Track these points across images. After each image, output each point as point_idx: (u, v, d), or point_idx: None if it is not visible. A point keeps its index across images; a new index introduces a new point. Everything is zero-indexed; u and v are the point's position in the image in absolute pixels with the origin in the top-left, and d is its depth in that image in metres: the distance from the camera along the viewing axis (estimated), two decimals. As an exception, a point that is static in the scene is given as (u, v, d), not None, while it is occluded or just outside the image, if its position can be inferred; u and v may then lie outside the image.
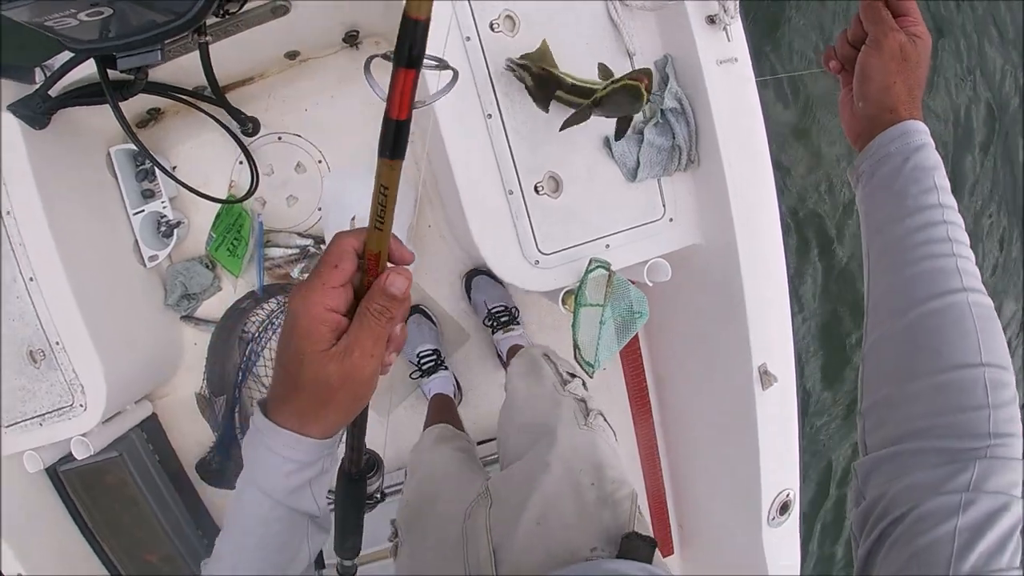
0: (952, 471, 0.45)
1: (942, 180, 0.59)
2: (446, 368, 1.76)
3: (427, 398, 1.73)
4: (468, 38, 1.29)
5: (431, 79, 0.96)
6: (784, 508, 1.36)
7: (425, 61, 0.39)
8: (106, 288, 1.41)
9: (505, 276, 1.35)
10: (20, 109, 1.22)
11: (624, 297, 1.32)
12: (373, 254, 0.46)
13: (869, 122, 0.66)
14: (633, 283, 1.30)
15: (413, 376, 1.75)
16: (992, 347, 0.50)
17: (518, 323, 1.75)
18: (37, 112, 1.23)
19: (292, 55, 1.56)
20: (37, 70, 1.24)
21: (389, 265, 0.47)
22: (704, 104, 1.17)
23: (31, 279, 1.25)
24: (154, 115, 1.55)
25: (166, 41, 1.13)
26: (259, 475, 0.48)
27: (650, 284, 1.42)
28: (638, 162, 1.25)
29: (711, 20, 1.16)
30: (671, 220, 1.29)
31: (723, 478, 1.57)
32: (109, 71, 1.15)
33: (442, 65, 0.51)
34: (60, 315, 1.27)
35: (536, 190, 1.35)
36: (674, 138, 1.27)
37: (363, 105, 1.62)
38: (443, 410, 1.62)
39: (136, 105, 1.47)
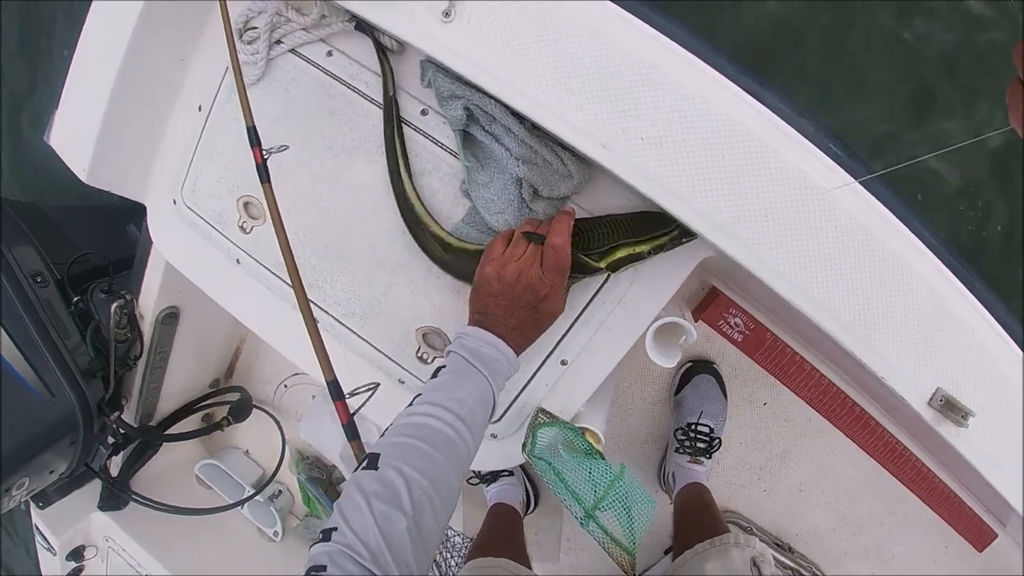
0: None
1: None
2: (511, 473, 1.44)
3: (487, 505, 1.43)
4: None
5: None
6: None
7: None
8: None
9: (480, 467, 1.13)
10: (107, 505, 1.54)
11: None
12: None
13: None
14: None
15: (471, 482, 1.44)
16: None
17: (711, 458, 1.33)
18: (119, 500, 1.54)
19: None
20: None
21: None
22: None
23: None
24: (208, 422, 1.77)
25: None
26: (483, 366, 0.78)
27: (670, 366, 1.01)
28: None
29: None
30: None
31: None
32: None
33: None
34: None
35: (422, 360, 1.09)
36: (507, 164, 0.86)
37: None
38: (499, 527, 1.33)
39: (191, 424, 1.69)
